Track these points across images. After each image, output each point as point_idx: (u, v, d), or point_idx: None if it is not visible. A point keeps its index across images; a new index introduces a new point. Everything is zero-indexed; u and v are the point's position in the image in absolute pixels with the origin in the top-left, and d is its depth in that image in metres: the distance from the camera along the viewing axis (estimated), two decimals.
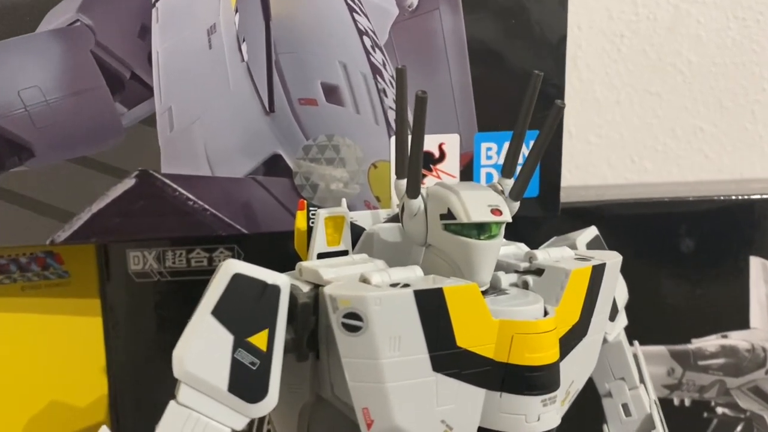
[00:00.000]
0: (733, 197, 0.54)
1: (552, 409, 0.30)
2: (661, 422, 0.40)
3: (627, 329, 0.49)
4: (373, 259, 0.34)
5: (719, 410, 0.55)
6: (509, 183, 0.33)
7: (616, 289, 0.40)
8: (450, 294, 0.28)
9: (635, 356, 0.44)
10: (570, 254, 0.35)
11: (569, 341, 0.32)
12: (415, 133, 0.30)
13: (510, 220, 0.31)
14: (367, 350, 0.28)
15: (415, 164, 0.31)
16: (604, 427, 0.42)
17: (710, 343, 0.54)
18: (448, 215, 0.31)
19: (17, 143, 0.42)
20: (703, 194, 0.55)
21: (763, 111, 0.75)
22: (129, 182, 0.43)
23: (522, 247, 0.37)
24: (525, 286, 0.33)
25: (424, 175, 0.44)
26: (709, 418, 0.56)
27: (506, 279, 0.34)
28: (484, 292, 0.32)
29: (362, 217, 0.38)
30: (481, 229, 0.31)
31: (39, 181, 0.42)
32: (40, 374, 0.51)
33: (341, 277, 0.30)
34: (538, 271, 0.33)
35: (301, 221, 0.36)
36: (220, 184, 0.43)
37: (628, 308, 0.52)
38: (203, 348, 0.28)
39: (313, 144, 0.43)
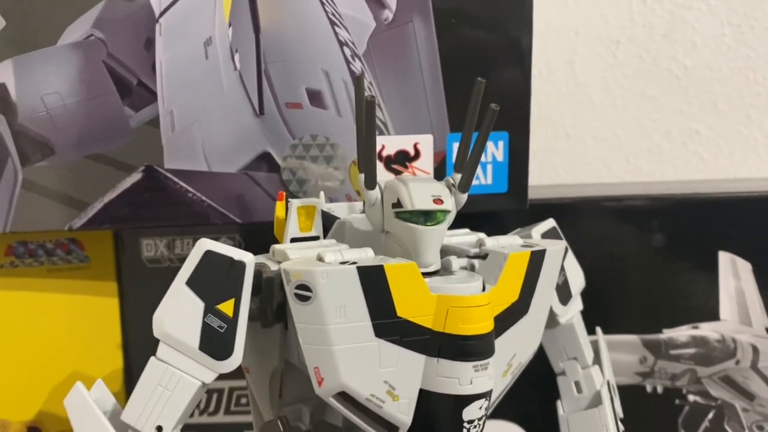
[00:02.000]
0: (704, 195, 0.56)
1: (484, 375, 0.33)
2: (611, 400, 0.43)
3: (601, 318, 0.52)
4: (339, 243, 0.38)
5: (691, 398, 0.57)
6: (459, 177, 0.37)
7: (564, 274, 0.44)
8: (390, 270, 0.32)
9: (596, 341, 0.47)
10: (518, 242, 0.39)
11: (508, 318, 0.36)
12: (367, 132, 0.34)
13: (451, 209, 0.35)
14: (316, 317, 0.32)
15: (369, 159, 0.35)
16: (558, 402, 0.45)
17: (681, 333, 0.57)
18: (398, 204, 0.35)
19: (40, 141, 0.45)
20: (674, 192, 0.57)
21: (758, 114, 0.77)
22: (136, 176, 0.46)
23: (482, 237, 0.40)
24: (472, 268, 0.37)
25: (400, 171, 0.48)
26: (681, 405, 0.58)
27: (457, 263, 0.37)
28: (434, 273, 0.36)
29: (339, 208, 0.42)
30: (427, 217, 0.35)
31: (58, 175, 0.46)
32: (63, 348, 0.54)
33: (304, 256, 0.35)
34: (485, 256, 0.37)
35: (279, 210, 0.41)
36: (216, 178, 0.47)
37: (602, 299, 0.56)
38: (178, 312, 0.32)
39: (299, 143, 0.47)
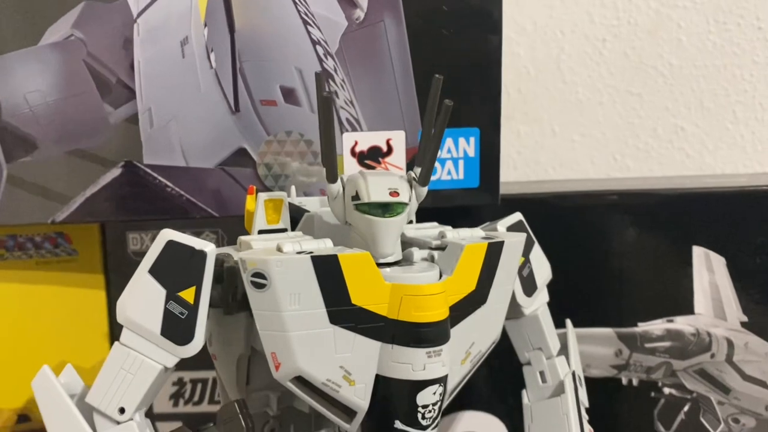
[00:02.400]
0: (677, 190, 0.56)
1: (437, 361, 0.34)
2: (575, 390, 0.44)
3: (576, 311, 0.53)
4: (304, 235, 0.39)
5: (666, 390, 0.58)
6: (419, 170, 0.38)
7: (529, 266, 0.44)
8: (344, 260, 0.33)
9: (566, 334, 0.48)
10: (479, 234, 0.40)
11: (465, 307, 0.37)
12: (326, 128, 0.35)
13: (407, 202, 0.36)
14: (271, 304, 0.33)
15: (329, 154, 0.36)
16: (523, 392, 0.46)
17: (656, 326, 0.57)
18: (357, 197, 0.36)
19: (23, 137, 0.47)
20: (648, 187, 0.57)
21: (744, 111, 0.77)
22: (116, 171, 0.48)
23: (444, 229, 0.41)
24: (432, 259, 0.38)
25: (373, 167, 0.49)
26: (657, 397, 0.58)
27: (418, 254, 0.38)
28: (395, 263, 0.37)
29: (310, 202, 0.43)
30: (385, 209, 0.36)
31: (42, 170, 0.47)
32: (52, 338, 0.55)
33: (266, 246, 0.36)
34: (445, 247, 0.38)
35: (250, 204, 0.41)
36: (194, 173, 0.48)
37: (577, 292, 0.57)
38: (141, 299, 0.34)
39: (273, 139, 0.48)
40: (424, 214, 0.44)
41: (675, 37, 0.76)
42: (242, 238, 0.38)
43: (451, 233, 0.39)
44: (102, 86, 0.47)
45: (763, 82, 0.77)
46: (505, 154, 0.72)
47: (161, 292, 0.34)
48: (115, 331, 0.56)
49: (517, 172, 0.78)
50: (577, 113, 0.78)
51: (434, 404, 0.35)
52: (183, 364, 0.36)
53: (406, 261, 0.38)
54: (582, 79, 0.77)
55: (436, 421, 0.36)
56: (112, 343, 0.57)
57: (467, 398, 0.58)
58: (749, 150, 0.77)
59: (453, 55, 0.49)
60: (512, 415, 0.57)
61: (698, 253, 0.56)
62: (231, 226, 0.54)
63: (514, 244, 0.39)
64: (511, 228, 0.44)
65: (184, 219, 0.49)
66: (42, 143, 0.47)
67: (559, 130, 0.78)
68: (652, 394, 0.58)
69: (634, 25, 0.76)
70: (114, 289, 0.56)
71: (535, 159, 0.78)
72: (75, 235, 0.55)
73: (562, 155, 0.78)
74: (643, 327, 0.57)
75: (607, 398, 0.58)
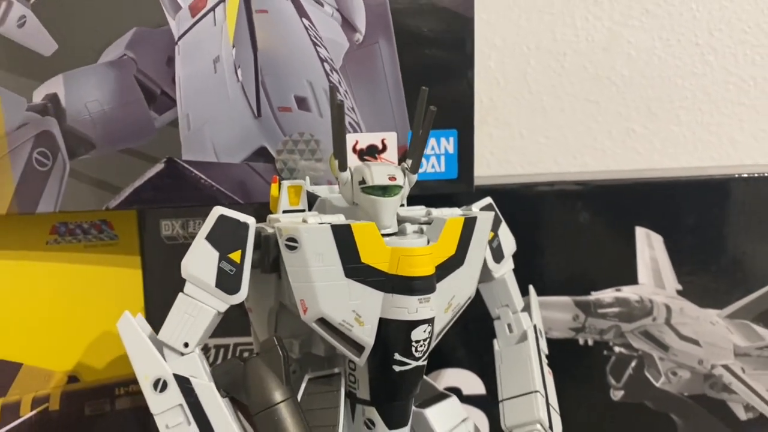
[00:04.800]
0: (622, 180, 0.64)
1: (426, 306, 0.43)
2: (536, 339, 0.52)
3: (538, 282, 0.59)
4: (320, 214, 0.48)
5: (617, 349, 0.65)
6: (410, 162, 0.48)
7: (498, 239, 0.52)
8: (356, 228, 0.42)
9: (529, 297, 0.56)
10: (458, 212, 0.49)
11: (447, 267, 0.45)
12: (339, 128, 0.44)
13: (402, 185, 0.45)
14: (301, 261, 0.41)
15: (341, 149, 0.45)
16: (494, 341, 0.54)
17: (607, 295, 0.65)
18: (363, 182, 0.45)
19: (83, 138, 0.52)
20: (598, 178, 0.65)
21: (686, 115, 0.84)
22: (159, 166, 0.53)
23: (430, 209, 0.51)
24: (421, 231, 0.46)
25: (370, 161, 0.59)
26: (609, 355, 0.66)
27: (410, 228, 0.46)
28: (393, 234, 0.45)
29: (320, 190, 0.51)
30: (384, 191, 0.44)
31: (98, 165, 0.52)
32: (96, 311, 0.61)
33: (290, 220, 0.45)
34: (431, 222, 0.46)
35: (274, 190, 0.49)
36: (223, 167, 0.54)
37: (539, 266, 0.63)
38: (200, 259, 0.41)
39: (289, 139, 0.55)
40: (413, 201, 0.52)
41: (626, 51, 0.83)
42: (271, 216, 0.47)
43: (436, 212, 0.48)
44: (149, 96, 0.53)
45: (701, 90, 0.84)
46: (479, 154, 0.79)
47: (215, 254, 0.42)
48: (149, 304, 0.63)
49: (491, 169, 0.85)
50: (542, 118, 0.84)
51: (424, 340, 0.44)
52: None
53: (401, 233, 0.46)
54: (546, 88, 0.84)
55: (426, 354, 0.44)
56: (147, 316, 0.65)
57: (449, 357, 0.65)
58: (690, 148, 0.85)
59: (434, 69, 0.56)
60: (485, 370, 0.65)
61: (640, 232, 0.64)
62: (248, 213, 0.63)
63: (485, 219, 0.48)
64: (483, 209, 0.52)
65: (215, 205, 0.57)
66: (98, 143, 0.52)
67: (527, 133, 0.85)
68: (605, 352, 0.65)
69: (591, 42, 0.83)
70: (148, 268, 0.62)
71: (506, 158, 0.85)
72: (116, 222, 0.61)
73: (529, 155, 0.85)
74: (595, 295, 0.65)
75: (566, 356, 0.65)
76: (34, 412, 0.60)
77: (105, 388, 0.63)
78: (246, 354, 0.64)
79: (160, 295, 0.62)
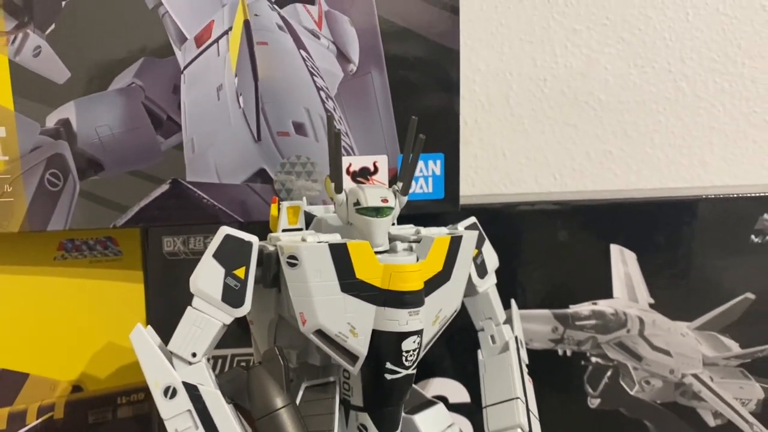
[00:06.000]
0: (597, 200, 0.67)
1: (416, 318, 0.46)
2: (517, 349, 0.55)
3: (519, 296, 0.62)
4: (317, 232, 0.52)
5: (593, 359, 0.68)
6: (401, 184, 0.51)
7: (482, 256, 0.55)
8: (351, 247, 0.45)
9: (511, 310, 0.59)
10: (444, 231, 0.52)
11: (435, 282, 0.48)
12: (336, 154, 0.47)
13: (394, 207, 0.48)
14: (301, 277, 0.44)
15: (338, 173, 0.48)
16: (479, 351, 0.56)
17: (584, 308, 0.67)
18: (357, 203, 0.48)
19: (93, 160, 0.54)
20: (575, 198, 0.68)
21: (660, 138, 0.87)
22: (164, 186, 0.55)
23: (419, 228, 0.54)
24: (411, 249, 0.49)
25: (363, 182, 0.62)
26: (586, 365, 0.68)
27: (401, 245, 0.49)
28: (384, 251, 0.48)
29: (316, 210, 0.54)
30: (377, 212, 0.47)
31: (106, 186, 0.55)
32: (100, 323, 0.62)
33: (290, 239, 0.49)
34: (420, 240, 0.49)
35: (273, 210, 0.52)
36: (225, 188, 0.56)
37: (520, 281, 0.66)
38: (207, 275, 0.44)
39: (287, 162, 0.57)
40: (402, 220, 0.55)
41: (603, 77, 0.86)
42: (272, 234, 0.51)
43: (425, 231, 0.51)
44: (156, 122, 0.55)
45: (674, 115, 0.87)
46: (464, 173, 0.83)
47: (221, 271, 0.44)
48: (151, 317, 0.64)
49: (475, 188, 0.88)
50: (524, 140, 0.87)
51: (414, 350, 0.47)
52: None
53: (392, 250, 0.49)
54: (527, 111, 0.87)
55: (415, 363, 0.47)
56: (147, 326, 0.68)
57: (436, 368, 0.68)
58: (664, 170, 0.88)
59: (423, 97, 0.59)
60: (470, 380, 0.67)
61: (615, 250, 0.67)
62: (248, 230, 0.66)
63: (469, 237, 0.51)
64: (468, 228, 0.55)
65: (216, 224, 0.58)
66: (107, 165, 0.55)
67: (509, 153, 0.88)
68: (582, 362, 0.68)
69: (569, 68, 0.86)
70: (151, 283, 0.63)
71: (489, 178, 0.88)
72: (121, 239, 0.63)
73: (511, 175, 0.88)
74: (573, 309, 0.67)
75: (546, 366, 0.68)
76: (39, 420, 0.62)
77: (107, 398, 0.65)
78: (243, 364, 0.67)
79: (161, 308, 0.64)
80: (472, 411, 0.68)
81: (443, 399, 0.68)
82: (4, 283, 0.60)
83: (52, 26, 0.54)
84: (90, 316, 0.63)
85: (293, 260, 0.45)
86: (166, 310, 0.63)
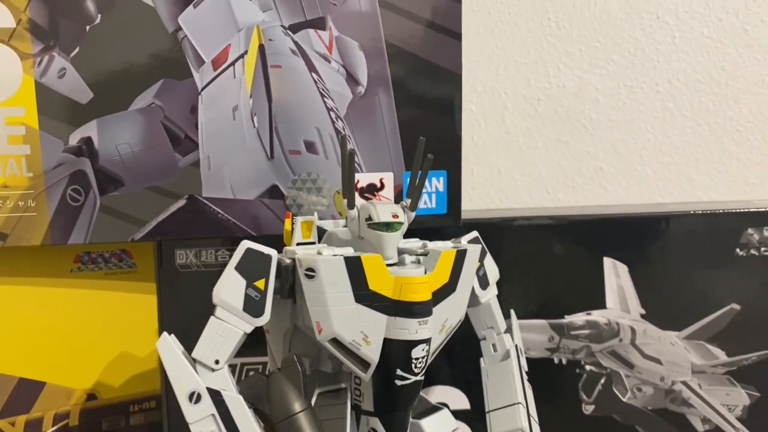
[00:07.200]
0: (591, 216, 0.69)
1: (425, 327, 0.48)
2: (517, 357, 0.57)
3: (517, 306, 0.63)
4: (330, 246, 0.54)
5: (587, 367, 0.69)
6: (409, 201, 0.53)
7: (483, 268, 0.57)
8: (365, 260, 0.47)
9: (510, 319, 0.61)
10: (450, 245, 0.54)
11: (442, 293, 0.49)
12: (349, 173, 0.49)
13: (404, 222, 0.51)
14: (318, 288, 0.46)
15: (350, 190, 0.50)
16: (481, 359, 0.58)
17: (578, 318, 0.68)
18: (369, 218, 0.50)
19: (114, 177, 0.56)
20: (570, 213, 0.70)
21: (648, 155, 0.90)
22: (181, 202, 0.57)
23: (426, 242, 0.57)
24: (419, 262, 0.51)
25: (370, 198, 0.65)
26: (580, 373, 0.69)
27: (409, 258, 0.51)
28: (394, 264, 0.50)
29: (327, 224, 0.56)
30: (388, 227, 0.50)
31: (126, 201, 0.56)
32: (115, 333, 0.65)
33: (307, 252, 0.51)
34: (427, 254, 0.51)
35: (287, 225, 0.54)
36: (239, 203, 0.58)
37: (517, 292, 0.67)
38: (230, 286, 0.45)
39: (298, 178, 0.59)
40: (408, 234, 0.55)
41: (594, 97, 0.88)
42: (287, 248, 0.53)
43: (431, 244, 0.53)
44: (174, 140, 0.56)
45: (662, 133, 0.90)
46: (462, 189, 0.84)
47: (243, 282, 0.46)
48: (163, 328, 0.65)
49: (472, 203, 0.90)
50: (518, 157, 0.89)
51: (423, 357, 0.48)
52: None
53: (401, 263, 0.51)
54: (522, 130, 0.89)
55: (424, 370, 0.49)
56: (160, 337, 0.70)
57: (438, 376, 0.70)
58: (653, 185, 0.91)
59: (427, 118, 0.62)
60: (470, 387, 0.69)
61: (608, 262, 0.68)
62: (262, 243, 0.68)
63: (473, 250, 0.53)
64: (471, 242, 0.57)
65: (231, 237, 0.61)
66: (127, 181, 0.56)
67: (504, 170, 0.90)
68: (577, 370, 0.69)
69: (562, 88, 0.88)
70: (164, 294, 0.64)
71: (485, 193, 0.90)
72: (135, 252, 0.66)
73: (506, 190, 0.90)
74: (568, 318, 0.68)
75: (543, 374, 0.68)
76: (55, 427, 0.64)
77: (121, 406, 0.67)
78: (252, 372, 0.69)
79: (173, 318, 0.65)
80: (472, 418, 0.69)
81: (444, 406, 0.67)
82: (23, 295, 0.63)
83: (77, 49, 0.56)
84: (105, 326, 0.66)
85: (311, 272, 0.47)
86: (178, 321, 0.64)
